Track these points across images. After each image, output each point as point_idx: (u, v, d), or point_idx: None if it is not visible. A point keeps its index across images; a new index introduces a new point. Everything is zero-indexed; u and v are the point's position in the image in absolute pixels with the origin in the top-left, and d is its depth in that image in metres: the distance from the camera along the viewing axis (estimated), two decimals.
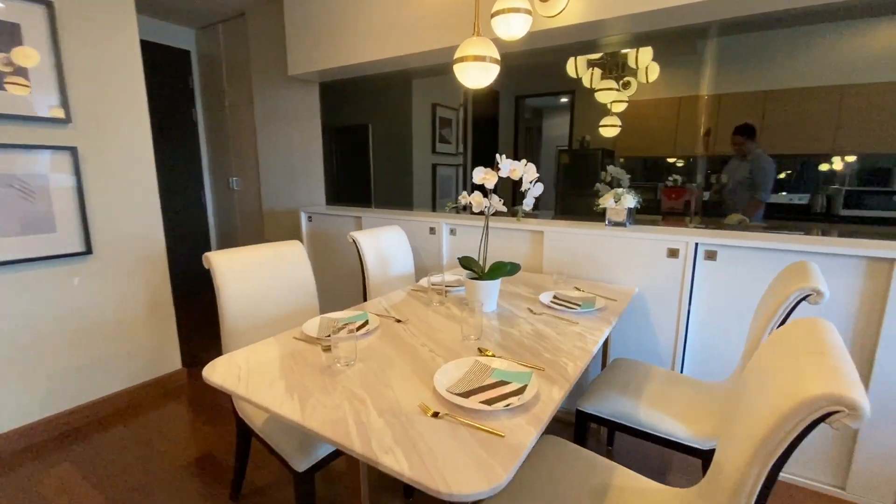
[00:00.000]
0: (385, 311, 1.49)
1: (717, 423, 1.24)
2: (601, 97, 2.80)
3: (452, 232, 2.35)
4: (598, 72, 2.84)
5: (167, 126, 3.71)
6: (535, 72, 3.53)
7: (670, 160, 2.90)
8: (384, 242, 2.07)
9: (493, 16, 1.68)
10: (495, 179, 1.40)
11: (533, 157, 3.95)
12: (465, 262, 1.56)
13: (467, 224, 2.29)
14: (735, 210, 2.32)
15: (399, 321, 1.39)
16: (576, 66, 2.75)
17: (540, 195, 1.41)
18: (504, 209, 1.43)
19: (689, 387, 1.46)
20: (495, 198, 1.42)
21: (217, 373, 1.02)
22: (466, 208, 1.48)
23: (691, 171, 2.48)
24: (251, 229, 3.91)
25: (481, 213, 1.45)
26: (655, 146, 3.05)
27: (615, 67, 2.82)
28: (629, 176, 3.04)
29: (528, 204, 1.38)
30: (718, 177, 2.43)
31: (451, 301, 1.61)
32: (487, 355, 1.11)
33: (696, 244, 1.72)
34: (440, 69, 2.97)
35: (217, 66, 3.81)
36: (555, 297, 1.62)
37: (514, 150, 3.98)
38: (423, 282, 1.83)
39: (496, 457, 0.73)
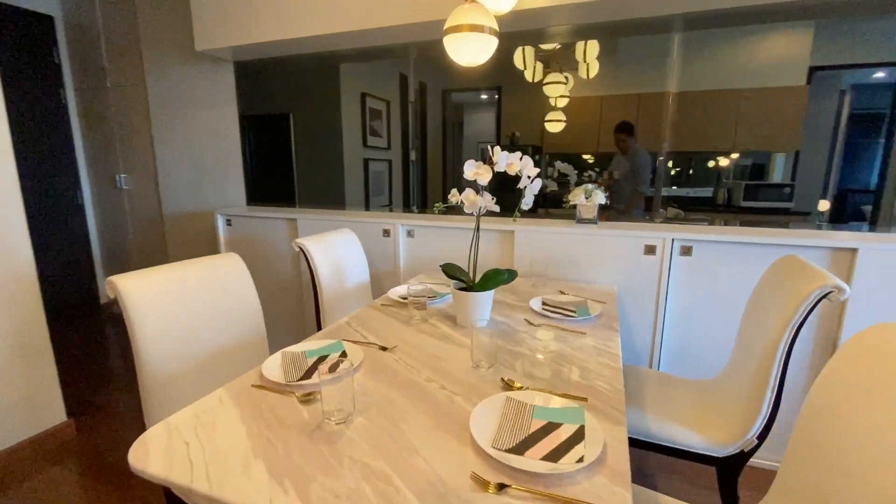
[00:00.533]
0: (361, 336, 1.23)
1: (729, 428, 1.19)
2: (549, 91, 2.74)
3: (410, 234, 2.11)
4: (540, 65, 2.78)
5: (26, 111, 2.93)
6: (459, 66, 3.40)
7: (586, 156, 3.02)
8: (338, 250, 1.77)
9: None
10: (489, 175, 1.20)
11: (457, 153, 3.82)
12: (451, 270, 1.35)
13: (426, 225, 2.07)
14: (621, 203, 2.51)
15: (385, 349, 1.14)
16: (524, 57, 2.65)
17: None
18: (496, 208, 1.25)
19: (685, 389, 1.41)
20: (488, 196, 1.22)
21: (153, 457, 0.70)
22: (455, 208, 1.28)
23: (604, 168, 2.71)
24: (148, 237, 3.26)
25: (471, 213, 1.25)
26: (579, 143, 3.11)
27: (560, 61, 2.79)
28: (576, 172, 3.04)
29: (527, 203, 1.21)
30: (611, 173, 2.66)
31: (433, 316, 1.39)
32: (515, 388, 0.92)
33: (673, 240, 1.70)
34: (371, 53, 2.69)
35: (93, 36, 3.09)
36: (544, 303, 1.48)
37: (442, 145, 3.82)
38: (393, 294, 1.59)
39: None
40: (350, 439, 0.76)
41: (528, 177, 1.19)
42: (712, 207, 3.00)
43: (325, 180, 3.06)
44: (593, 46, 2.52)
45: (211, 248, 2.72)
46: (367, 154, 3.33)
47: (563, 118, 2.92)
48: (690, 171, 3.04)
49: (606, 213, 2.55)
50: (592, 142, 3.32)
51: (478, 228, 1.29)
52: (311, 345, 1.13)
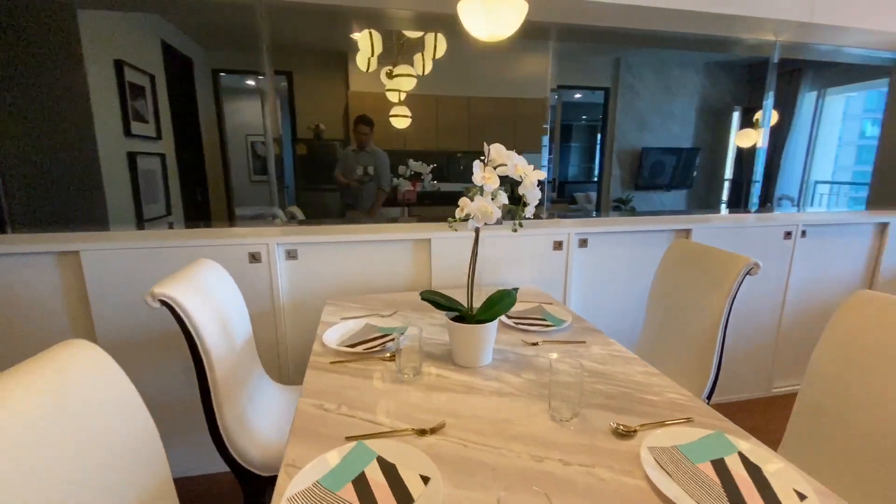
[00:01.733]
0: (367, 423, 0.84)
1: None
2: (401, 84, 2.55)
3: (291, 255, 1.61)
4: (375, 57, 2.55)
5: None
6: (232, 40, 2.89)
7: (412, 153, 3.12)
8: (216, 295, 1.18)
9: None
10: (497, 182, 1.00)
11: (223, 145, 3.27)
12: (432, 297, 1.08)
13: (311, 241, 1.61)
14: (366, 200, 2.71)
15: (424, 432, 0.80)
16: (371, 43, 2.35)
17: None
18: (497, 220, 1.05)
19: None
20: (503, 197, 1.02)
21: None
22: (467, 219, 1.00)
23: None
24: None
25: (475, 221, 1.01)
26: (391, 139, 3.13)
27: (402, 52, 2.63)
28: (430, 168, 2.97)
29: (530, 210, 1.06)
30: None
31: (407, 361, 1.07)
32: (629, 431, 0.78)
33: (575, 234, 1.83)
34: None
35: None
36: (507, 315, 1.36)
37: (219, 135, 3.16)
38: (329, 342, 1.16)
39: None
40: None
41: (533, 182, 1.03)
42: None
43: (70, 185, 2.04)
44: (442, 42, 2.46)
45: None
46: (132, 146, 2.42)
47: (409, 114, 2.78)
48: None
49: (351, 213, 2.68)
50: (429, 139, 3.36)
51: (477, 242, 1.06)
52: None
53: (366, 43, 2.34)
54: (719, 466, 0.70)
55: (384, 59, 2.57)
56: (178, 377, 1.59)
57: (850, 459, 0.87)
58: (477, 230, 1.04)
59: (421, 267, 1.72)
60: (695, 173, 4.69)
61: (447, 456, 0.73)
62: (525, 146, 3.35)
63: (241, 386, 1.17)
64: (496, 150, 1.00)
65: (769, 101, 2.36)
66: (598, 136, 4.67)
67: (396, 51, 2.61)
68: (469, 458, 0.73)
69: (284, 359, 1.66)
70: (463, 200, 1.00)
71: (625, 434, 0.79)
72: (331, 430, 0.81)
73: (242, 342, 1.25)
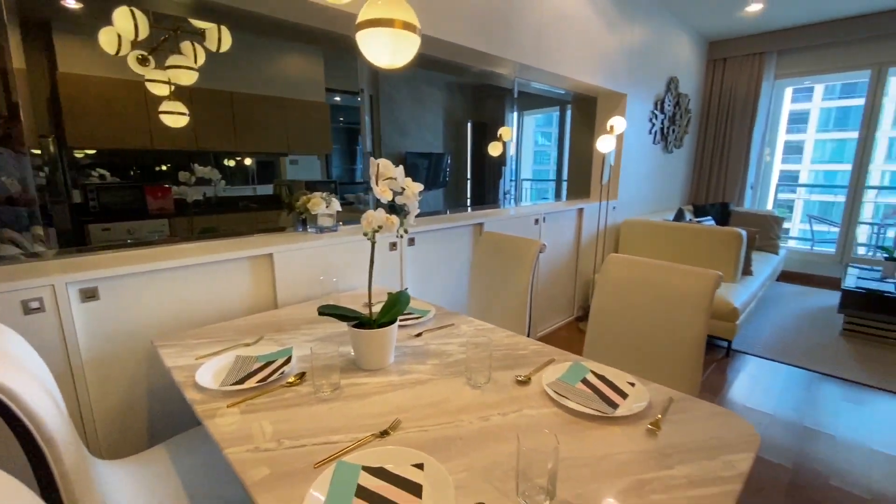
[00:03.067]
0: (328, 445, 0.82)
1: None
2: (175, 76, 2.15)
3: (89, 295, 1.22)
4: (128, 42, 2.08)
5: None
6: None
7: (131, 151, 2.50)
8: (27, 364, 0.84)
9: None
10: (391, 195, 1.09)
11: None
12: (331, 310, 1.10)
13: (117, 273, 1.27)
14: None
15: (387, 432, 0.86)
16: (135, 22, 1.89)
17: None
18: (395, 227, 1.13)
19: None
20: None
21: None
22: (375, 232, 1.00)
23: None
24: None
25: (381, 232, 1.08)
26: (127, 136, 2.71)
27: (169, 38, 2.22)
28: (220, 176, 2.62)
29: (411, 219, 1.19)
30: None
31: (327, 377, 1.06)
32: (528, 379, 1.04)
33: (407, 236, 2.02)
34: None
35: None
36: None
37: None
38: (210, 384, 1.00)
39: None
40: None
41: (415, 192, 1.17)
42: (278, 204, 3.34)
43: None
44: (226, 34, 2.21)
45: None
46: None
47: (186, 111, 2.37)
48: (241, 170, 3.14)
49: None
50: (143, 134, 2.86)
51: (373, 252, 1.12)
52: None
53: (126, 23, 1.88)
54: (586, 382, 1.04)
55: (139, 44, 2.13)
56: None
57: (622, 349, 1.39)
58: (373, 241, 1.11)
59: (262, 285, 1.59)
60: (447, 176, 5.58)
61: (418, 444, 0.83)
62: (301, 147, 3.30)
63: (88, 478, 0.89)
64: (384, 165, 1.09)
65: (512, 119, 3.12)
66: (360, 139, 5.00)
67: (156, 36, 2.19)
68: (437, 439, 0.84)
69: (91, 429, 1.27)
70: (367, 215, 1.06)
71: (524, 381, 1.05)
72: (290, 467, 0.77)
73: (67, 418, 0.94)
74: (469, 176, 5.83)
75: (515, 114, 5.92)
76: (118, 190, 2.30)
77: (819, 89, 7.40)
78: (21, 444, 0.73)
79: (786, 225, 4.62)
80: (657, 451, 0.81)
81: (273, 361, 1.14)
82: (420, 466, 0.75)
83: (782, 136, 5.00)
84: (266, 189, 3.07)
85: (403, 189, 1.13)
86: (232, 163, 2.85)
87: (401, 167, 1.11)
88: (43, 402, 0.78)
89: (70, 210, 2.17)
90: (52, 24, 2.44)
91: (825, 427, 2.08)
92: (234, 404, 0.96)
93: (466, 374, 1.06)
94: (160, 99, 2.29)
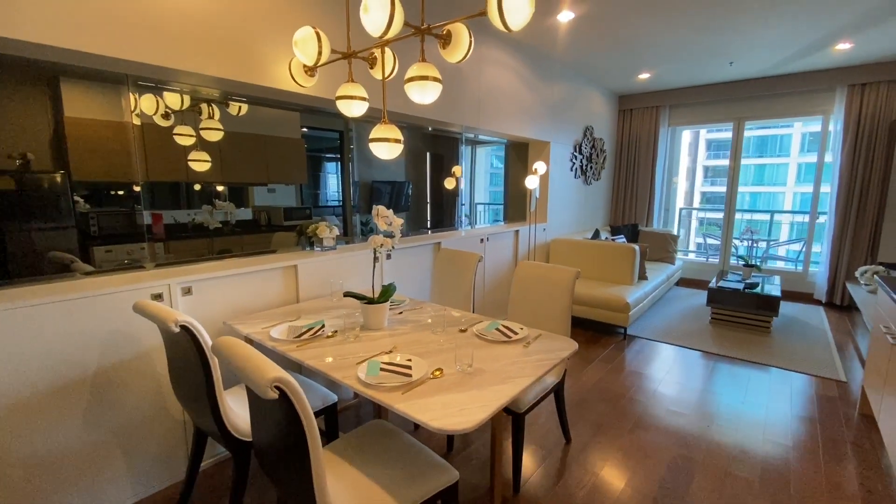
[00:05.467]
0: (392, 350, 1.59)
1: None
2: (209, 135, 2.86)
3: (187, 292, 1.92)
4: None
5: None
6: None
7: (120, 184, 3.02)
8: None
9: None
10: (385, 226, 1.89)
11: None
12: (353, 295, 1.87)
13: (204, 277, 1.98)
14: None
15: (391, 351, 1.64)
16: (182, 101, 2.60)
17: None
18: (390, 246, 1.92)
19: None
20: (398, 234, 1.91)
21: None
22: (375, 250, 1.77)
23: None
24: None
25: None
26: (114, 170, 3.32)
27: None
28: (235, 206, 3.30)
29: (396, 240, 1.98)
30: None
31: (349, 332, 1.82)
32: (465, 331, 1.86)
33: (384, 250, 2.79)
34: None
35: None
36: None
37: None
38: (281, 335, 1.74)
39: None
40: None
41: (398, 226, 1.97)
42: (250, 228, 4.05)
43: None
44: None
45: None
46: None
47: (208, 158, 3.06)
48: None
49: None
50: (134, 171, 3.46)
51: (378, 260, 1.91)
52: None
53: (175, 98, 2.59)
54: (498, 329, 1.86)
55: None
56: (78, 424, 1.67)
57: (525, 313, 2.24)
58: (375, 252, 1.89)
59: (289, 286, 2.32)
60: (409, 201, 6.39)
61: (406, 354, 1.61)
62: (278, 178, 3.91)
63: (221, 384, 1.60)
64: (381, 210, 1.89)
65: (465, 154, 4.01)
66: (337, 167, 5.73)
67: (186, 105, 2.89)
68: (415, 352, 1.63)
69: None
70: (373, 238, 1.84)
71: (464, 331, 1.86)
72: (346, 363, 1.53)
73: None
74: (429, 200, 6.69)
75: (468, 149, 6.84)
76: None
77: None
78: (198, 354, 1.46)
79: (696, 239, 5.73)
80: (526, 352, 1.64)
81: (313, 328, 1.89)
82: (409, 360, 1.54)
83: (684, 164, 6.25)
84: (246, 214, 3.69)
85: (391, 223, 1.94)
86: (221, 190, 3.50)
87: (391, 210, 1.91)
88: (206, 334, 1.51)
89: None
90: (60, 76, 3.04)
91: (689, 381, 3.03)
92: (302, 346, 1.70)
93: (430, 329, 1.86)
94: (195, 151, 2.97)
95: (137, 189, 2.58)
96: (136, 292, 1.78)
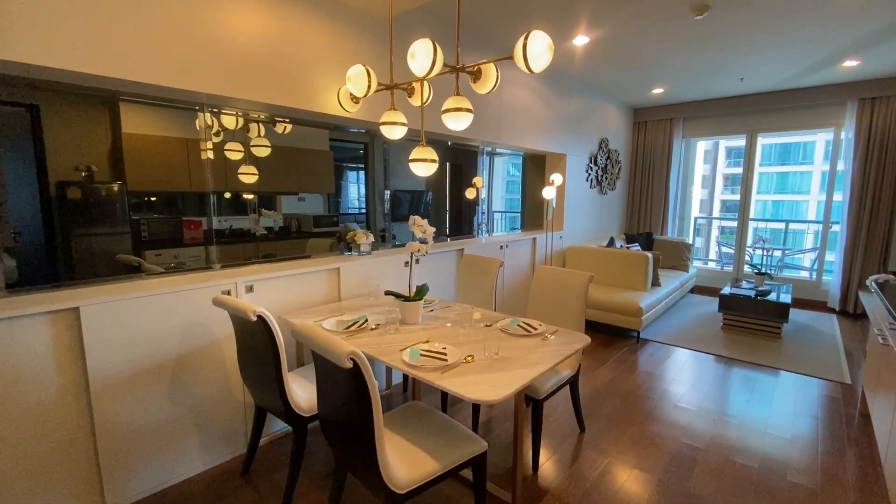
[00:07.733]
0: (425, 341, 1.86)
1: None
2: (259, 151, 3.20)
3: (249, 290, 2.23)
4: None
5: None
6: None
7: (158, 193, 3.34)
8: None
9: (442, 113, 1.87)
10: (420, 233, 2.17)
11: None
12: (393, 293, 2.15)
13: (264, 277, 2.28)
14: None
15: (428, 341, 1.91)
16: (236, 121, 2.95)
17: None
18: (423, 252, 2.20)
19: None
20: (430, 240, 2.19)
21: None
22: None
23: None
24: None
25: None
26: (170, 180, 3.70)
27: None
28: (280, 214, 3.63)
29: (429, 247, 2.26)
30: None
31: (390, 325, 2.10)
32: (490, 326, 2.12)
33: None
34: None
35: None
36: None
37: None
38: (333, 325, 2.02)
39: None
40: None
41: (430, 233, 2.24)
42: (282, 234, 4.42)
43: None
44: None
45: None
46: None
47: (256, 171, 3.40)
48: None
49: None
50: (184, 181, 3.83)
51: (412, 263, 2.18)
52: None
53: (230, 120, 2.94)
54: (518, 325, 2.11)
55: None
56: (164, 400, 1.98)
57: (543, 312, 2.48)
58: (412, 255, 2.17)
59: (332, 286, 2.62)
60: (428, 209, 6.68)
61: (443, 341, 1.88)
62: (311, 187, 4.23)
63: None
64: (417, 220, 2.17)
65: (484, 163, 4.28)
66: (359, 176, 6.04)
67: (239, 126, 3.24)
68: (449, 343, 1.89)
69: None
70: (410, 244, 2.12)
71: (489, 326, 2.12)
72: (390, 349, 1.80)
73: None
74: (448, 209, 6.97)
75: (486, 159, 7.10)
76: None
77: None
78: (269, 341, 1.75)
79: (713, 247, 5.86)
80: (544, 344, 1.89)
81: (358, 321, 2.17)
82: (444, 348, 1.81)
83: (700, 173, 6.41)
84: (280, 221, 4.00)
85: (425, 230, 2.22)
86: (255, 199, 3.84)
87: (426, 220, 2.19)
88: (277, 325, 1.80)
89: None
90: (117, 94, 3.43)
91: (698, 381, 3.22)
92: (350, 336, 1.98)
93: (460, 324, 2.12)
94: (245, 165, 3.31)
95: (200, 198, 2.93)
96: (209, 289, 2.09)
